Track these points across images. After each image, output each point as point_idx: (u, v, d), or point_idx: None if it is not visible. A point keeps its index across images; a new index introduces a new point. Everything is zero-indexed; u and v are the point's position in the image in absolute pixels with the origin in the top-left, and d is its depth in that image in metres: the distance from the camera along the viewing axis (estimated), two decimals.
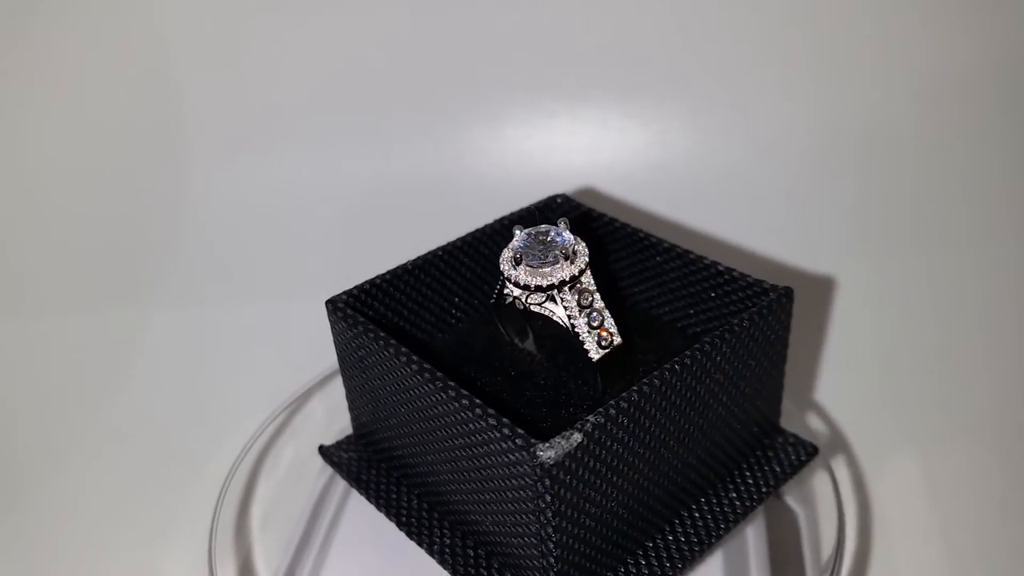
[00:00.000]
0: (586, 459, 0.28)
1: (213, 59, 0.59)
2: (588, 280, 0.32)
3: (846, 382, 0.49)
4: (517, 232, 0.33)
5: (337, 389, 0.42)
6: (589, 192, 0.59)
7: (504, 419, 0.28)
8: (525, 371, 0.35)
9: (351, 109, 0.60)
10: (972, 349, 0.51)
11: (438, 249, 0.38)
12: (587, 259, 0.32)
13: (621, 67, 0.59)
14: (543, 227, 0.32)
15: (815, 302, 0.55)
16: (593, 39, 0.59)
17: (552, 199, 0.41)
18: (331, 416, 0.42)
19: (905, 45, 0.58)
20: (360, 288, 0.36)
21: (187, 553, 0.40)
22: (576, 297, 0.32)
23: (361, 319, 0.33)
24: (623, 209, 0.58)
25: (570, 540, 0.29)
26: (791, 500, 0.40)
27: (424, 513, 0.35)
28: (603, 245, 0.40)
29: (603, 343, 0.32)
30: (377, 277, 0.36)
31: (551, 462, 0.27)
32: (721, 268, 0.35)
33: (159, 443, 0.48)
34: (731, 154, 0.59)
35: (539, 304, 0.32)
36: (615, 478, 0.29)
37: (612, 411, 0.28)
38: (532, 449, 0.27)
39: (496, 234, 0.39)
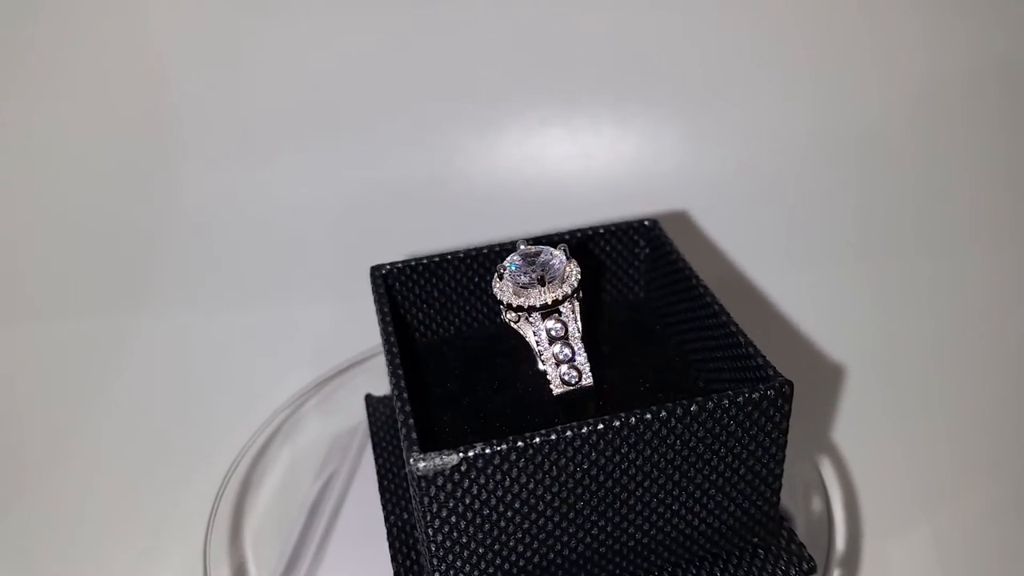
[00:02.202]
0: (468, 484, 0.27)
1: (204, 64, 0.58)
2: (568, 311, 0.31)
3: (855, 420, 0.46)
4: (521, 246, 0.32)
5: (330, 395, 0.44)
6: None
7: (411, 420, 0.29)
8: (518, 384, 0.35)
9: (345, 115, 0.58)
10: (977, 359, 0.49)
11: (495, 244, 0.38)
12: (572, 289, 0.31)
13: (627, 73, 0.56)
14: (538, 247, 0.32)
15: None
16: (592, 44, 0.56)
17: (640, 221, 0.39)
18: (325, 421, 0.42)
19: (906, 47, 0.56)
20: (406, 263, 0.37)
21: (181, 560, 0.40)
22: (548, 325, 0.31)
23: (382, 291, 0.36)
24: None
25: (452, 558, 0.29)
26: None
27: (404, 484, 0.37)
28: (662, 283, 0.37)
29: (566, 378, 0.31)
30: (425, 257, 0.38)
31: (419, 473, 0.27)
32: (742, 340, 0.31)
33: (151, 451, 0.47)
34: (732, 158, 0.56)
35: (515, 323, 0.31)
36: (512, 515, 0.28)
37: (503, 447, 0.27)
38: (409, 455, 0.27)
39: (560, 241, 0.38)
